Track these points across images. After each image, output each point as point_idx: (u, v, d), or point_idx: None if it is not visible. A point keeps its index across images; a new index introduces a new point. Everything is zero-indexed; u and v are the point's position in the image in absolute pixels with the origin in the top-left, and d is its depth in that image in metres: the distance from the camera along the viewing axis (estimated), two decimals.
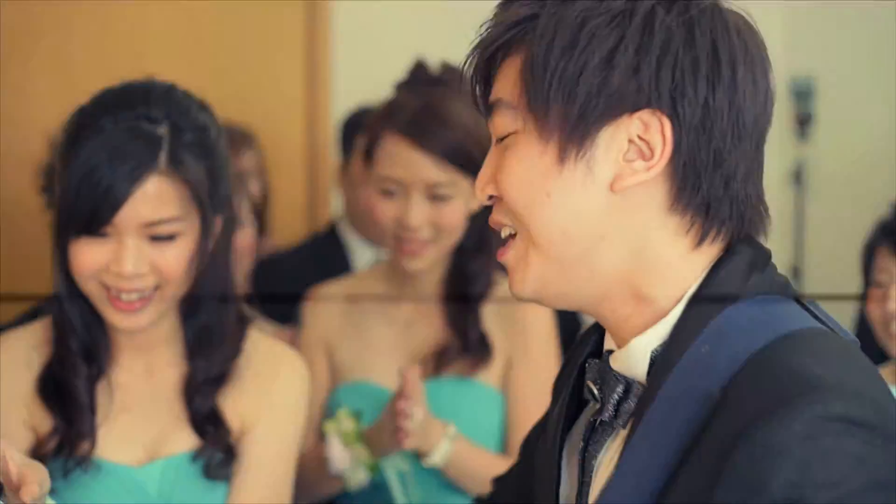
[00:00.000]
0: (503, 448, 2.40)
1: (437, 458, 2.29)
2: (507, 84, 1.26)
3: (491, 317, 2.41)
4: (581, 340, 1.44)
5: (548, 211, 1.23)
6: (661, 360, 1.22)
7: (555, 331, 2.45)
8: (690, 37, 1.21)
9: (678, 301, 1.24)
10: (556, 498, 1.34)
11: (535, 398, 2.28)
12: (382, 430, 2.28)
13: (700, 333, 1.21)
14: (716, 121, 1.21)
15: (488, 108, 1.30)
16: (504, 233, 1.30)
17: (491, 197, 1.30)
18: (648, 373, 1.24)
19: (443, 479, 2.35)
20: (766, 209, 1.29)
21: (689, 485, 1.14)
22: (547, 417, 1.53)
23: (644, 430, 1.19)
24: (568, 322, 2.70)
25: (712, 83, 1.21)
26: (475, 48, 1.29)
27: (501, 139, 1.28)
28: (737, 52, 1.23)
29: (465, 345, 2.38)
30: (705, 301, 1.23)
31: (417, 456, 2.32)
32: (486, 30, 1.28)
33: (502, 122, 1.27)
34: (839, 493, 1.08)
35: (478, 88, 1.31)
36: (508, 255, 1.28)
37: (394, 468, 2.35)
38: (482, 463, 2.30)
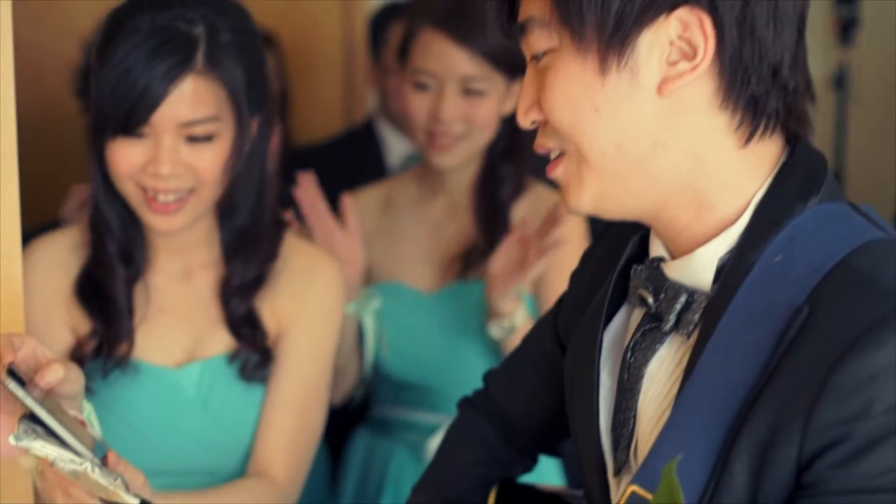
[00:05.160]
0: None
1: (515, 321, 2.29)
2: (535, 1, 1.23)
3: (521, 219, 2.42)
4: (605, 235, 1.42)
5: (597, 126, 1.20)
6: (731, 270, 1.20)
7: (586, 235, 2.45)
8: None
9: (743, 209, 1.22)
10: (597, 400, 1.33)
11: None
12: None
13: (770, 243, 1.19)
14: (756, 11, 1.18)
15: (519, 28, 1.26)
16: (553, 155, 1.27)
17: (534, 122, 1.27)
18: (714, 283, 1.22)
19: (463, 368, 2.38)
20: (815, 97, 1.26)
21: (780, 401, 1.12)
22: (558, 310, 1.52)
23: (718, 342, 1.17)
24: (597, 223, 2.70)
25: None
26: None
27: (537, 60, 1.25)
28: None
29: (493, 246, 2.39)
30: (773, 209, 1.20)
31: (489, 316, 2.33)
32: None
33: (536, 40, 1.24)
34: None
35: (503, 9, 1.27)
36: (559, 172, 1.26)
37: (370, 311, 2.38)
38: None
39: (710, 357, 1.17)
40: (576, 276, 1.49)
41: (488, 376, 1.67)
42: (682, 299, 1.23)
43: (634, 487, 1.20)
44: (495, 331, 2.31)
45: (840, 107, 4.23)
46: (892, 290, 1.12)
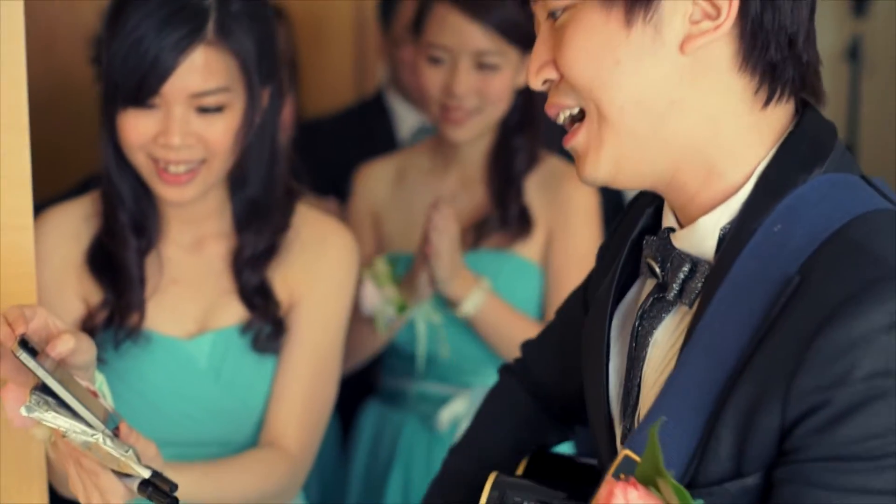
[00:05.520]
0: (541, 320, 2.42)
1: (468, 307, 2.34)
2: None
3: (534, 192, 2.44)
4: (630, 210, 1.42)
5: (618, 79, 1.20)
6: (731, 239, 1.20)
7: (598, 206, 2.45)
8: None
9: (748, 177, 1.22)
10: (607, 369, 1.33)
11: (574, 272, 2.32)
12: (415, 270, 2.34)
13: (771, 212, 1.19)
14: None
15: None
16: (562, 117, 1.27)
17: (545, 82, 1.27)
18: (717, 252, 1.22)
19: (472, 340, 2.38)
20: (821, 78, 1.27)
21: (766, 368, 1.12)
22: (588, 284, 1.53)
23: (715, 310, 1.18)
24: (611, 197, 2.70)
25: None
26: None
27: (553, 18, 1.25)
28: None
29: (505, 218, 2.41)
30: (776, 178, 1.21)
31: (450, 307, 2.36)
32: None
33: None
34: None
35: None
36: (577, 140, 1.25)
37: (424, 317, 2.40)
38: (514, 322, 2.35)
39: (707, 325, 1.18)
40: (602, 250, 1.50)
41: (525, 346, 1.69)
42: (686, 268, 1.24)
43: (627, 452, 1.21)
44: (457, 312, 2.35)
45: (853, 78, 4.21)
46: (881, 258, 1.12)
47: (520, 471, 1.54)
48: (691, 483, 1.16)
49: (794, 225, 1.17)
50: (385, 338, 2.44)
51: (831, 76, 3.83)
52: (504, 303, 2.36)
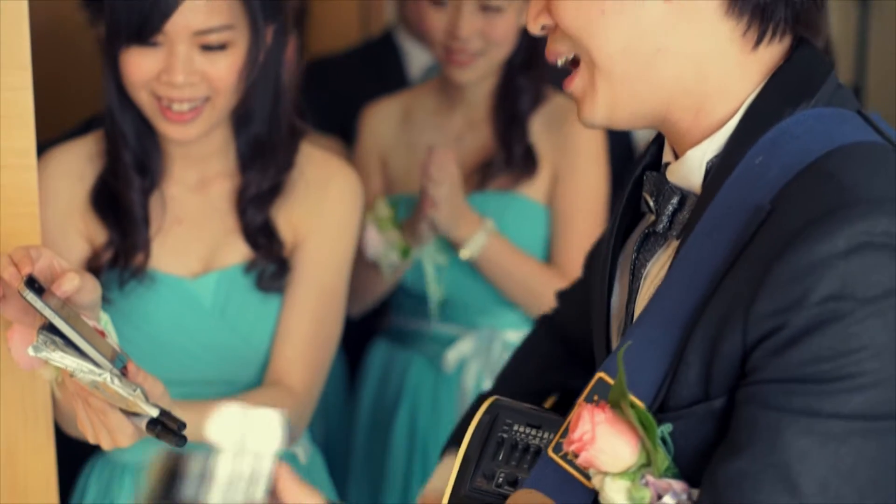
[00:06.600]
0: (547, 261, 2.42)
1: (472, 248, 2.34)
2: None
3: (539, 131, 2.44)
4: (647, 148, 1.43)
5: (604, 28, 1.21)
6: (716, 171, 1.22)
7: (604, 146, 2.44)
8: None
9: (735, 111, 1.23)
10: (608, 307, 1.35)
11: (580, 212, 2.32)
12: (416, 215, 2.34)
13: (754, 144, 1.20)
14: None
15: None
16: (561, 62, 1.28)
17: (544, 28, 1.28)
18: (703, 184, 1.24)
19: (479, 281, 2.39)
20: (821, 7, 1.26)
21: (731, 294, 1.13)
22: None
23: (694, 240, 1.20)
24: (619, 139, 2.69)
25: None
26: None
27: None
28: None
29: (510, 158, 2.41)
30: (762, 112, 1.21)
31: (454, 248, 2.37)
32: None
33: None
34: (879, 307, 1.08)
35: None
36: (575, 84, 1.27)
37: (430, 259, 2.40)
38: (519, 263, 2.35)
39: (684, 255, 1.20)
40: (619, 194, 1.51)
41: (558, 295, 1.72)
42: (675, 200, 1.26)
43: (601, 374, 1.24)
44: (461, 254, 2.36)
45: (862, 18, 4.18)
46: (848, 186, 1.12)
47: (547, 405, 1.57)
48: (662, 407, 1.18)
49: (775, 157, 1.18)
50: (391, 281, 2.44)
51: (837, 17, 3.79)
52: (509, 243, 2.37)
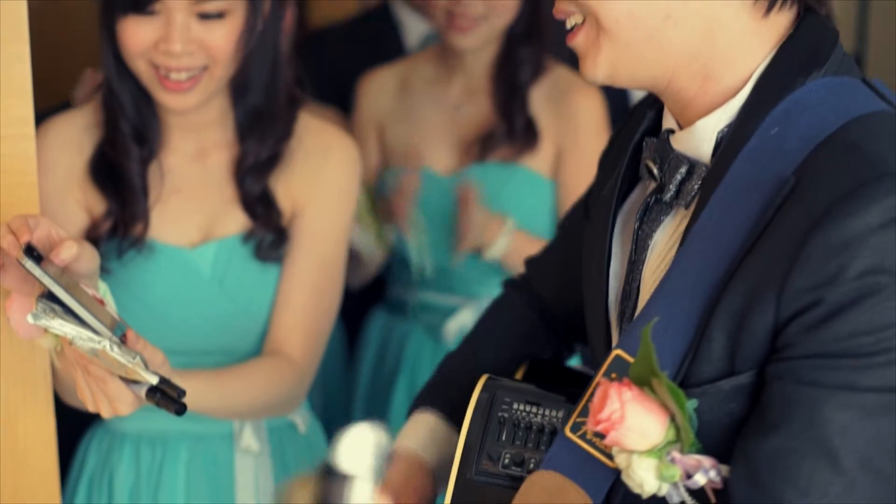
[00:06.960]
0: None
1: (496, 251, 2.33)
2: None
3: (541, 103, 2.42)
4: (632, 115, 1.42)
5: None
6: (729, 142, 1.21)
7: (606, 117, 2.43)
8: None
9: (746, 81, 1.22)
10: (607, 273, 1.34)
11: (586, 185, 2.30)
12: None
13: (768, 115, 1.19)
14: None
15: None
16: (569, 23, 1.27)
17: None
18: (713, 154, 1.23)
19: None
20: None
21: (760, 268, 1.13)
22: (590, 194, 1.53)
23: (711, 211, 1.19)
24: (617, 104, 2.68)
25: None
26: None
27: None
28: None
29: (511, 129, 2.39)
30: (774, 82, 1.20)
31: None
32: None
33: None
34: None
35: None
36: (578, 40, 1.26)
37: (415, 240, 2.42)
38: None
39: (702, 227, 1.19)
40: (603, 157, 1.50)
41: (528, 261, 1.70)
42: (683, 170, 1.25)
43: (618, 352, 1.23)
44: (484, 257, 2.37)
45: None
46: (877, 158, 1.12)
47: (518, 376, 1.55)
48: (683, 383, 1.17)
49: (791, 128, 1.17)
50: (376, 263, 2.45)
51: None
52: (529, 238, 2.36)
